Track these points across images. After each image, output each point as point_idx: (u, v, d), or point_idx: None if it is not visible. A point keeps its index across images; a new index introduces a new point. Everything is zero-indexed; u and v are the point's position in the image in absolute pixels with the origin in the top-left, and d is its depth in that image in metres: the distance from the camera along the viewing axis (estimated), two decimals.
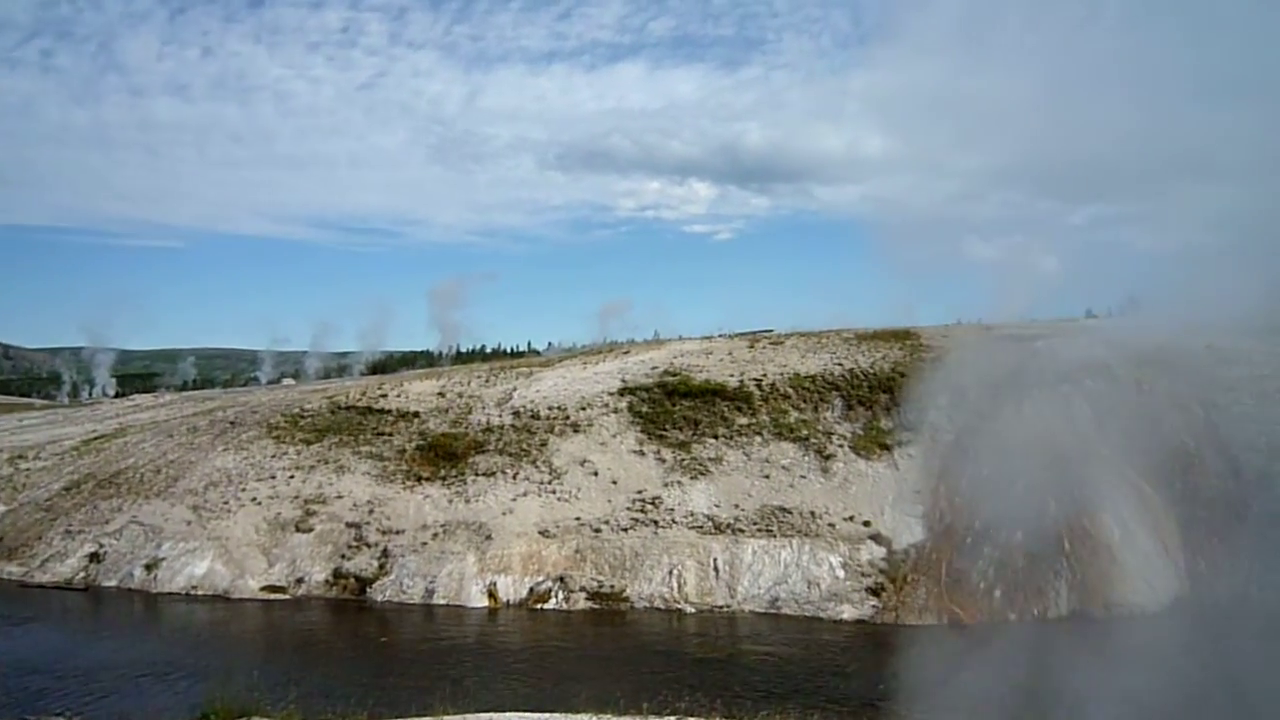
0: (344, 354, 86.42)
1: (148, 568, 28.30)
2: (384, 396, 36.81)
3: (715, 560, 26.56)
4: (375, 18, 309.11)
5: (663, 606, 25.73)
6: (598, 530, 27.73)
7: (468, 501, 29.26)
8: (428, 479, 30.61)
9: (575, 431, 32.19)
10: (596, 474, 29.93)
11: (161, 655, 22.29)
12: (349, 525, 29.05)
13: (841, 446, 30.21)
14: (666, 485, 29.28)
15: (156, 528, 29.75)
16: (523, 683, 20.00)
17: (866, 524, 27.18)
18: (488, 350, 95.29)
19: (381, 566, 27.59)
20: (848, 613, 24.87)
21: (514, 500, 29.07)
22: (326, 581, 27.69)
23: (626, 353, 41.12)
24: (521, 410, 33.91)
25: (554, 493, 29.30)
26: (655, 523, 27.81)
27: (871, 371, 33.24)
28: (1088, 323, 40.28)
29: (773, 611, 25.26)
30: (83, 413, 53.76)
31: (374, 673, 20.93)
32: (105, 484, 33.01)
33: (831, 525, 27.19)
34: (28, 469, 36.41)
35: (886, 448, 29.85)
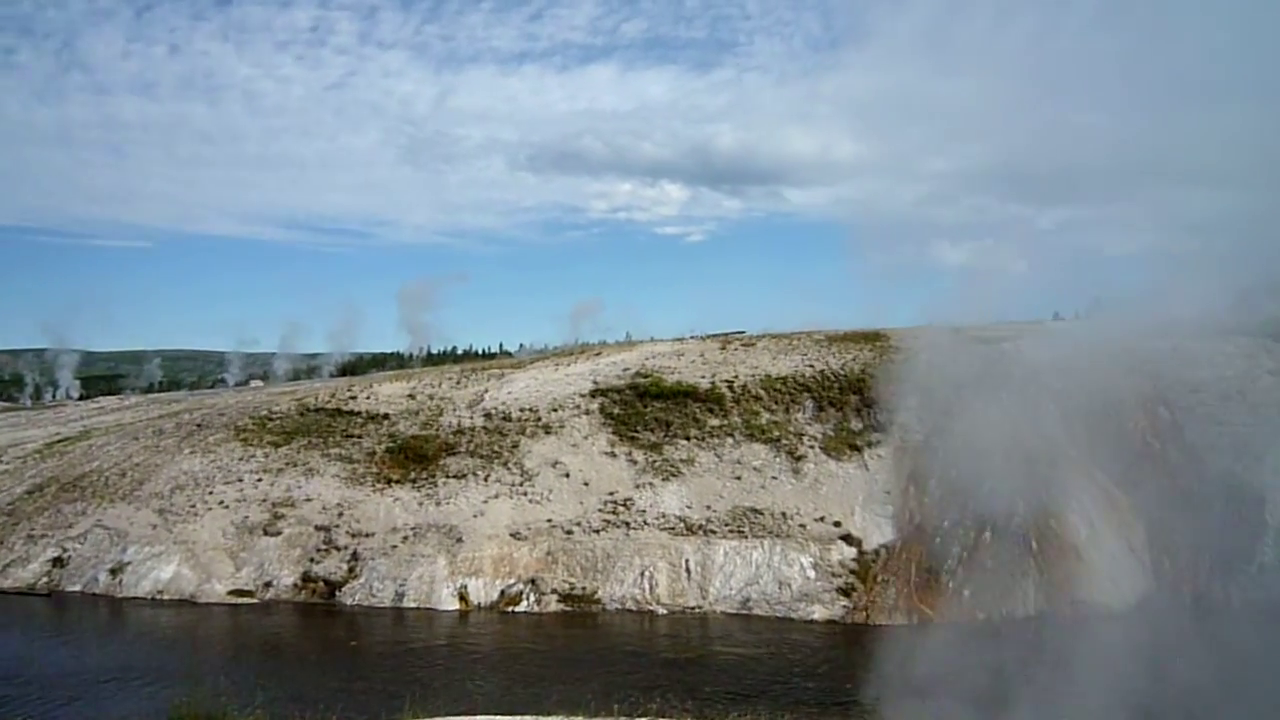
0: (313, 355, 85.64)
1: (112, 572, 27.90)
2: (353, 398, 36.53)
3: (687, 561, 26.59)
4: (345, 17, 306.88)
5: (634, 608, 25.73)
6: (569, 532, 27.68)
7: (438, 504, 29.10)
8: (398, 481, 30.41)
9: (547, 433, 32.11)
10: (568, 476, 29.87)
11: (126, 661, 22.00)
12: (318, 528, 28.79)
13: (812, 447, 30.36)
14: (638, 487, 29.28)
15: (121, 532, 29.33)
16: (493, 686, 19.92)
17: (837, 524, 27.33)
18: (459, 352, 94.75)
19: (351, 570, 27.37)
20: (819, 613, 25.00)
21: (485, 502, 28.94)
22: (295, 585, 27.43)
23: (598, 354, 41.08)
24: (493, 412, 33.78)
25: (525, 495, 29.21)
26: (627, 524, 27.80)
27: (842, 373, 33.42)
28: (1055, 324, 40.73)
29: (744, 612, 25.34)
30: (46, 415, 52.90)
31: (343, 677, 20.76)
32: (69, 487, 32.51)
33: (802, 526, 27.31)
34: None
35: (857, 448, 30.03)
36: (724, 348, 38.13)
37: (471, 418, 33.66)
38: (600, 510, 28.40)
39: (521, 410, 33.59)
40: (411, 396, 36.34)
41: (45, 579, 28.29)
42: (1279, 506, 24.90)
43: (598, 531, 27.65)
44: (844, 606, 25.15)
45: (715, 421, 31.90)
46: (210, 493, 30.63)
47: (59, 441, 39.17)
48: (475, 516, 28.38)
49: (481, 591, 26.41)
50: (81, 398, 71.96)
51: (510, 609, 25.87)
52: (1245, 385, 27.87)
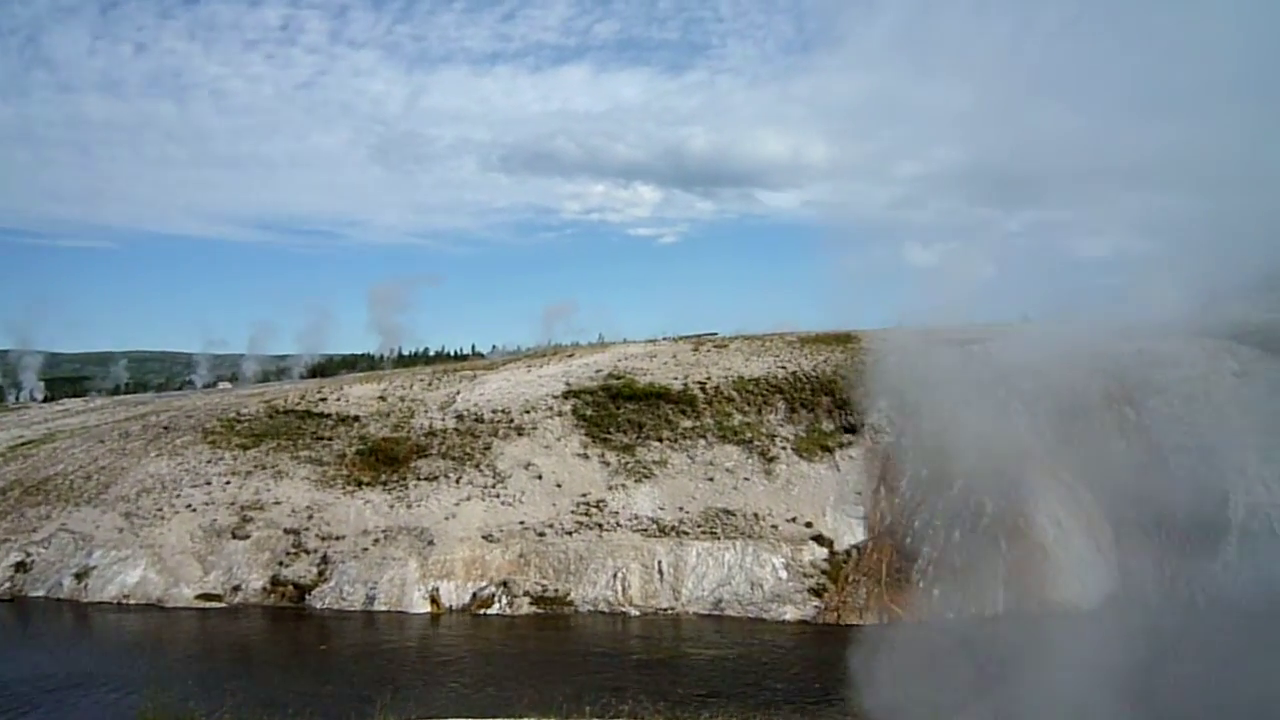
0: (282, 357, 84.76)
1: (77, 577, 27.49)
2: (323, 400, 36.24)
3: (660, 563, 26.61)
4: (315, 15, 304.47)
5: (607, 610, 25.71)
6: (542, 534, 27.61)
7: (409, 506, 28.93)
8: (368, 484, 30.20)
9: (519, 435, 32.02)
10: (541, 477, 29.80)
11: (91, 666, 21.66)
12: (287, 531, 28.53)
13: (784, 449, 30.49)
14: (611, 488, 29.27)
15: (87, 536, 28.91)
16: (465, 689, 19.85)
17: (809, 525, 27.47)
18: (430, 353, 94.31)
19: (321, 573, 27.15)
20: (790, 613, 25.10)
21: (457, 505, 28.81)
22: (264, 589, 27.17)
23: (571, 356, 41.03)
24: (465, 414, 33.64)
25: (498, 497, 29.11)
26: (600, 526, 27.78)
27: (814, 374, 33.59)
28: (1024, 326, 41.08)
29: (716, 613, 25.39)
30: (9, 418, 52.00)
31: (313, 681, 20.59)
32: (33, 491, 31.99)
33: (774, 527, 27.42)
34: None
35: (828, 449, 30.19)
36: (696, 349, 38.21)
37: (443, 419, 33.50)
38: (573, 512, 28.36)
39: (494, 412, 33.47)
40: (382, 398, 36.11)
41: (8, 584, 27.80)
42: (1242, 506, 25.33)
43: (570, 533, 27.61)
44: (815, 607, 25.27)
45: (688, 423, 31.95)
46: (177, 496, 30.26)
47: (22, 444, 38.53)
48: (447, 519, 28.24)
49: (453, 594, 26.28)
50: (46, 400, 70.81)
51: (482, 611, 25.76)
52: (1209, 386, 28.31)
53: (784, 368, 34.40)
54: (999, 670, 16.76)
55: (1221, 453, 26.04)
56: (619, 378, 34.82)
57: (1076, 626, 21.08)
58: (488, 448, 31.40)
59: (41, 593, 27.40)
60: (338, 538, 28.09)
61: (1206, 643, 17.99)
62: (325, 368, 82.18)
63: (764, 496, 28.61)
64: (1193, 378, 28.76)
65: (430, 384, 37.57)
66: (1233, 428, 26.44)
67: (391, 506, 29.07)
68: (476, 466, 30.50)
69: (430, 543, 27.36)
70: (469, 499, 29.07)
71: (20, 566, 28.31)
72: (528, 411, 33.29)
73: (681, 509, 28.25)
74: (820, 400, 32.38)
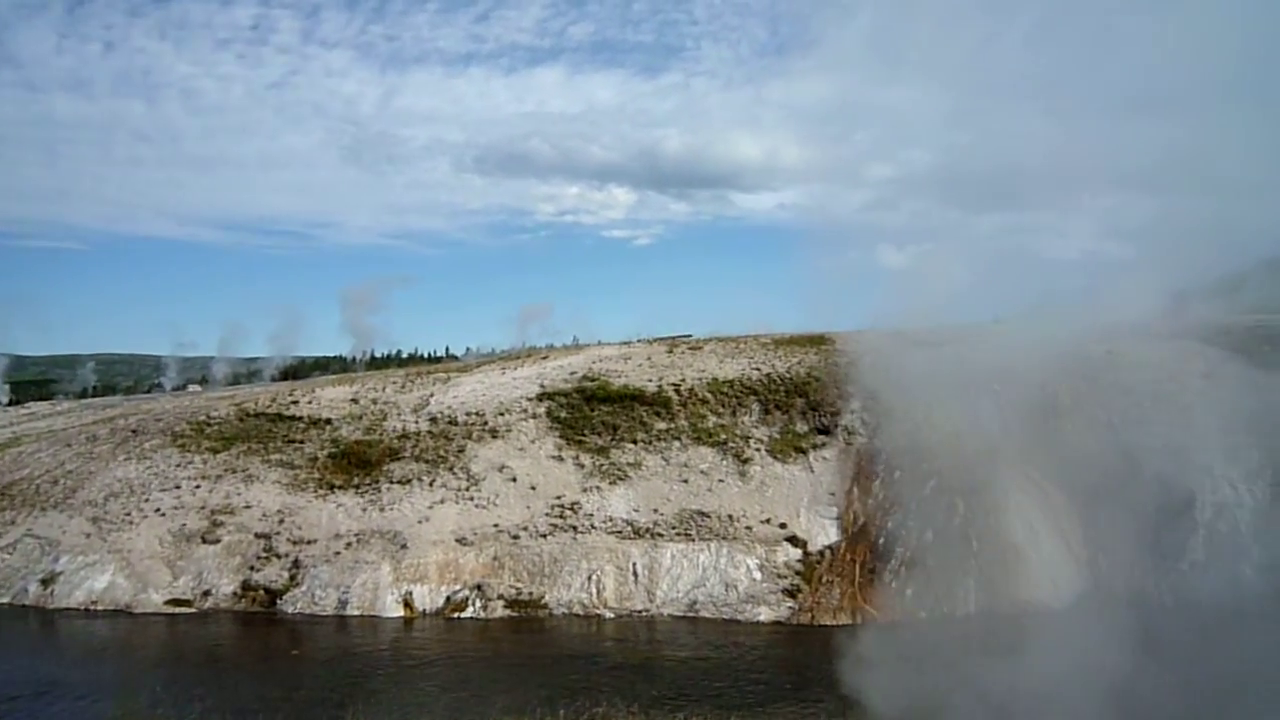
0: (253, 359, 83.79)
1: (44, 583, 27.08)
2: (295, 403, 35.93)
3: (634, 565, 26.59)
4: (287, 15, 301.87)
5: (581, 612, 25.66)
6: (516, 537, 27.51)
7: (382, 510, 28.73)
8: (341, 487, 29.96)
9: (493, 437, 31.90)
10: (515, 480, 29.70)
11: (56, 674, 21.33)
12: (258, 536, 28.25)
13: (759, 450, 30.56)
14: (585, 490, 29.21)
15: (53, 541, 28.48)
16: (438, 693, 19.74)
17: (783, 526, 27.55)
18: (404, 355, 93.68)
19: (292, 577, 26.90)
20: (764, 614, 25.16)
21: (430, 508, 28.64)
22: (235, 594, 26.88)
23: (545, 358, 40.93)
24: (438, 416, 33.47)
25: (472, 500, 28.97)
26: (574, 528, 27.72)
27: (788, 376, 33.70)
28: (995, 328, 41.41)
29: (691, 615, 25.41)
30: None
31: (284, 686, 20.40)
32: None
33: (749, 528, 27.47)
34: None
35: (802, 451, 30.30)
36: (671, 351, 38.24)
37: (416, 422, 33.31)
38: (547, 514, 28.28)
39: (468, 414, 33.33)
40: (355, 401, 35.85)
41: None
42: (1209, 505, 25.68)
43: (545, 536, 27.53)
44: (790, 607, 25.35)
45: (662, 425, 31.96)
46: (146, 500, 29.88)
47: None
48: (420, 522, 28.07)
49: (427, 598, 26.13)
50: (11, 403, 69.67)
51: (456, 615, 25.63)
52: (1177, 387, 28.65)
53: (758, 369, 34.50)
54: (972, 670, 16.91)
55: (1189, 453, 26.37)
56: (593, 380, 34.78)
57: (1045, 626, 21.28)
58: (461, 450, 31.25)
59: (6, 600, 26.96)
60: (309, 542, 27.85)
61: (1171, 643, 18.21)
62: (297, 370, 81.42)
63: (738, 498, 28.66)
64: (1161, 379, 29.11)
65: (403, 386, 37.35)
66: (1200, 428, 26.76)
67: (364, 510, 28.86)
68: (450, 469, 30.35)
69: (403, 546, 27.19)
70: (442, 502, 28.92)
71: None
72: (502, 414, 33.17)
73: (656, 511, 28.24)
74: (794, 402, 32.49)
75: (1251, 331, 30.98)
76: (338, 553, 27.34)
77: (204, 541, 28.12)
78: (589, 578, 26.30)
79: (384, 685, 20.24)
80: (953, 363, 30.97)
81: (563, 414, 32.91)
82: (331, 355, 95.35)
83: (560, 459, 30.79)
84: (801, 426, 31.58)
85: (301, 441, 32.87)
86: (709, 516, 27.87)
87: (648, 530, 27.54)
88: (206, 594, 26.82)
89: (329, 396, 36.58)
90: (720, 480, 29.38)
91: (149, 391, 74.92)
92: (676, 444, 31.03)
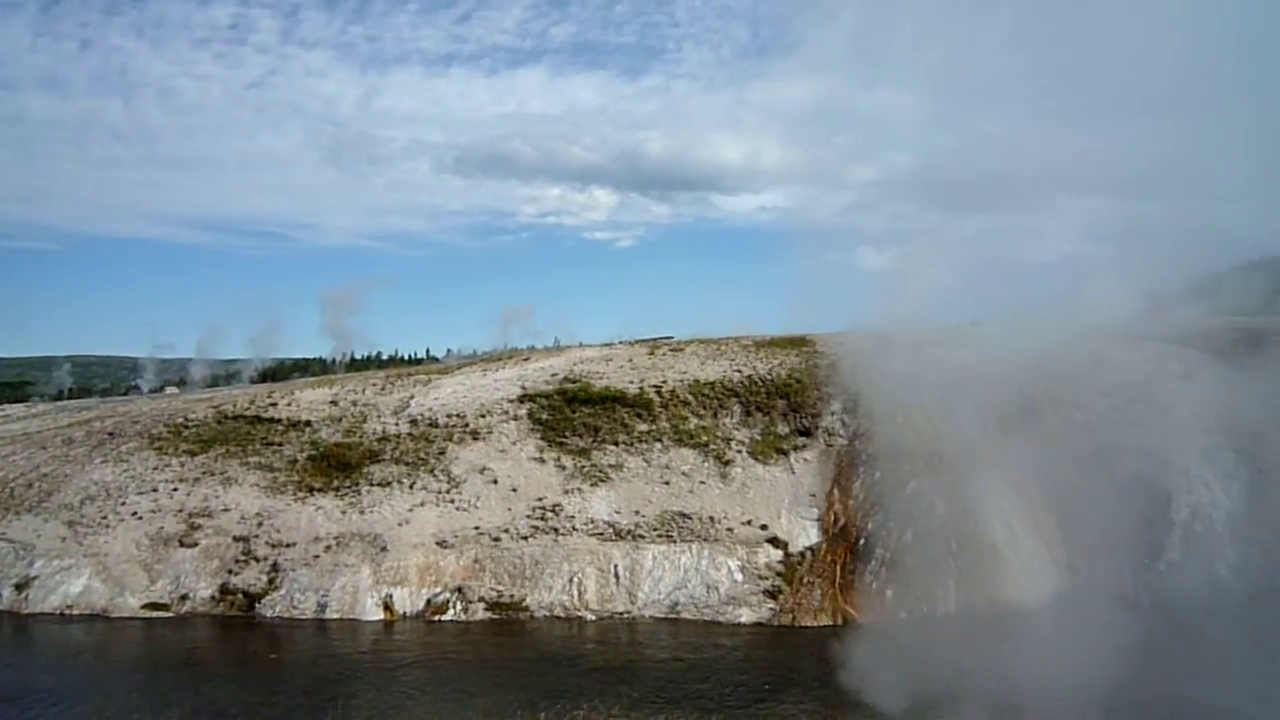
0: (232, 361, 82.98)
1: (18, 587, 26.75)
2: (274, 405, 35.69)
3: (616, 567, 26.56)
4: (266, 15, 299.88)
5: (563, 615, 25.61)
6: (497, 539, 27.43)
7: (362, 512, 28.58)
8: (320, 490, 29.78)
9: (474, 439, 31.79)
10: (496, 482, 29.61)
11: (30, 680, 21.04)
12: (236, 539, 28.03)
13: (740, 452, 30.61)
14: (567, 492, 29.17)
15: (28, 545, 28.14)
16: (418, 697, 19.64)
17: (764, 528, 27.60)
18: (384, 357, 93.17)
19: (271, 581, 26.71)
20: (746, 616, 25.20)
21: (410, 510, 28.52)
22: (213, 598, 26.67)
23: (527, 359, 40.86)
24: (419, 418, 33.33)
25: (452, 502, 28.86)
26: (555, 530, 27.66)
27: (769, 378, 33.78)
28: (975, 330, 41.72)
29: (672, 616, 25.41)
30: None
31: (263, 691, 20.23)
32: None
33: (730, 530, 27.51)
34: None
35: (783, 453, 30.38)
36: (652, 353, 38.25)
37: (397, 424, 33.16)
38: (528, 517, 28.21)
39: (448, 416, 33.20)
40: (334, 403, 35.65)
41: None
42: (1185, 506, 25.93)
43: (526, 538, 27.46)
44: (771, 609, 25.40)
45: (644, 426, 31.96)
46: (123, 503, 29.59)
47: None
48: (400, 525, 27.94)
49: (407, 601, 26.01)
50: None
51: (437, 618, 25.52)
52: (1153, 389, 28.93)
53: (739, 371, 34.56)
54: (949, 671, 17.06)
55: (1166, 454, 26.63)
56: (575, 381, 34.74)
57: (1021, 627, 21.45)
58: (442, 452, 31.14)
59: None
60: (288, 545, 27.66)
61: (1144, 643, 18.40)
62: (276, 372, 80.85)
63: (719, 499, 28.69)
64: (1138, 381, 29.38)
65: (383, 388, 37.17)
66: (1176, 430, 27.04)
67: (344, 513, 28.70)
68: (430, 471, 30.23)
69: (383, 549, 27.05)
70: (423, 504, 28.79)
71: None
72: (483, 415, 33.07)
73: (638, 513, 28.23)
74: (775, 403, 32.57)
75: (1228, 333, 31.31)
76: (317, 556, 27.17)
77: (181, 545, 27.88)
78: (570, 580, 26.26)
79: (364, 689, 20.12)
80: (933, 365, 31.20)
81: (544, 416, 32.86)
82: (311, 357, 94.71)
83: (541, 461, 30.72)
84: (782, 428, 31.67)
85: (280, 444, 32.65)
86: (690, 518, 27.88)
87: (629, 532, 27.52)
88: (184, 598, 26.59)
89: (308, 398, 36.36)
90: (701, 482, 29.40)
91: (126, 393, 74.17)
92: (658, 446, 31.04)
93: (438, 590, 26.21)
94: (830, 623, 24.80)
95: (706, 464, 30.15)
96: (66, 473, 31.98)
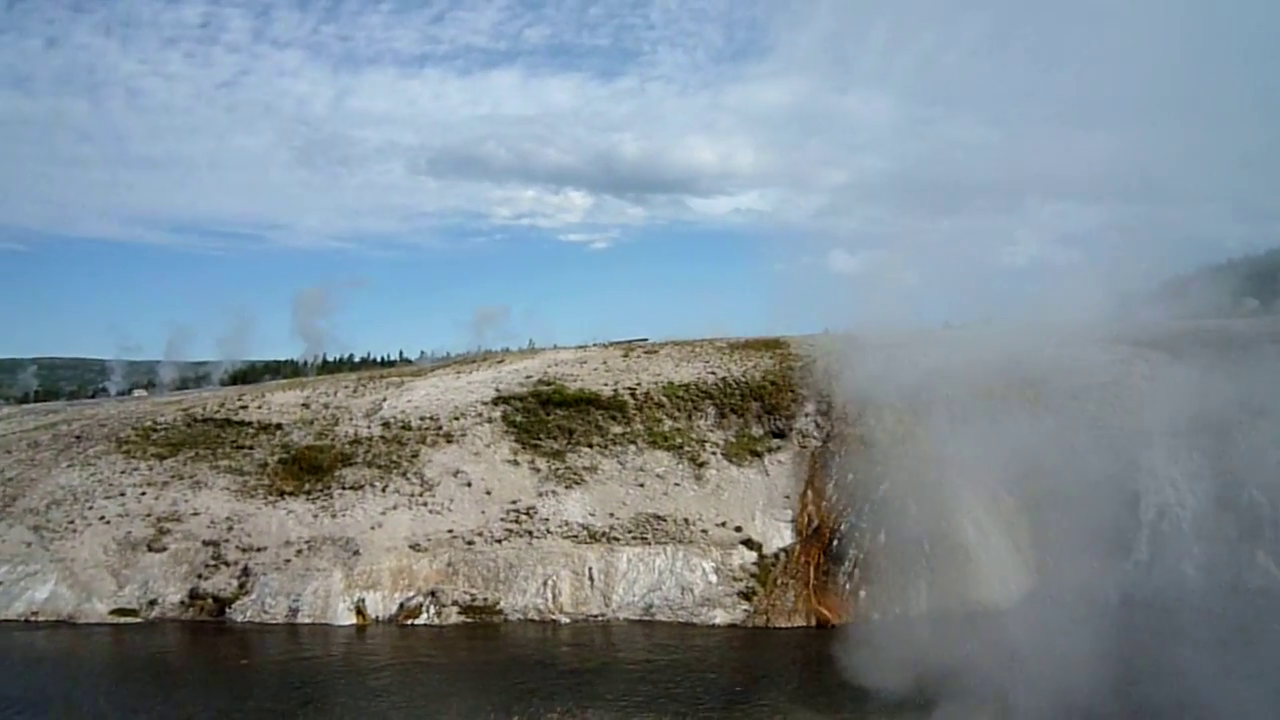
0: (202, 363, 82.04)
1: None
2: (244, 408, 35.35)
3: (590, 569, 26.52)
4: (237, 14, 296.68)
5: (537, 618, 25.53)
6: (471, 542, 27.30)
7: (334, 516, 28.35)
8: (291, 493, 29.52)
9: (448, 442, 31.64)
10: (470, 485, 29.48)
11: None
12: (206, 543, 27.72)
13: (714, 454, 30.67)
14: (541, 495, 29.09)
15: None
16: (391, 702, 19.51)
17: (738, 529, 27.66)
18: (356, 359, 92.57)
19: (241, 585, 26.43)
20: (720, 617, 25.24)
21: (383, 514, 28.32)
22: (182, 603, 26.36)
23: (501, 362, 40.73)
24: (391, 421, 33.12)
25: (425, 505, 28.70)
26: (530, 533, 27.58)
27: (743, 380, 33.87)
28: (946, 333, 42.14)
29: (647, 619, 25.40)
30: None
31: (233, 697, 20.02)
32: None
33: (704, 531, 27.54)
34: None
35: (757, 454, 30.46)
36: (627, 355, 38.25)
37: (369, 427, 32.94)
38: (502, 519, 28.11)
39: (422, 419, 33.03)
40: (306, 405, 35.36)
41: None
42: (1152, 506, 26.30)
43: (500, 541, 27.36)
44: (745, 610, 25.45)
45: (618, 429, 31.94)
46: (90, 508, 29.19)
47: None
48: (373, 528, 27.74)
49: (379, 605, 25.83)
50: None
51: (410, 622, 25.36)
52: (1121, 390, 29.33)
53: (714, 373, 34.63)
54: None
55: (1133, 455, 27.01)
56: (549, 384, 34.67)
57: (991, 627, 21.64)
58: (415, 455, 30.96)
59: None
60: (259, 549, 27.39)
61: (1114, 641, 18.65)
62: (247, 374, 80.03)
63: (694, 501, 28.73)
64: (1106, 383, 29.77)
65: (356, 391, 36.92)
66: (1143, 430, 27.44)
67: (315, 516, 28.46)
68: (403, 474, 30.05)
69: (356, 553, 26.85)
70: (396, 508, 28.61)
71: None
72: (457, 418, 32.92)
73: (612, 515, 28.20)
74: (749, 405, 32.66)
75: (1193, 336, 31.78)
76: (288, 560, 26.93)
77: (150, 550, 27.53)
78: (545, 583, 26.18)
79: (336, 694, 19.97)
80: (905, 366, 31.48)
81: (518, 418, 32.76)
82: (282, 359, 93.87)
83: (516, 463, 30.63)
84: (757, 430, 31.76)
85: (251, 447, 32.34)
86: (665, 520, 27.89)
87: (604, 534, 27.50)
88: (153, 603, 26.26)
89: (279, 401, 36.04)
90: (676, 484, 29.43)
91: (93, 396, 73.23)
92: (632, 448, 31.03)
93: (411, 594, 26.05)
94: (804, 624, 24.89)
95: (681, 466, 30.18)
96: (32, 477, 31.52)
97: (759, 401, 32.69)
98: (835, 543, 26.71)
